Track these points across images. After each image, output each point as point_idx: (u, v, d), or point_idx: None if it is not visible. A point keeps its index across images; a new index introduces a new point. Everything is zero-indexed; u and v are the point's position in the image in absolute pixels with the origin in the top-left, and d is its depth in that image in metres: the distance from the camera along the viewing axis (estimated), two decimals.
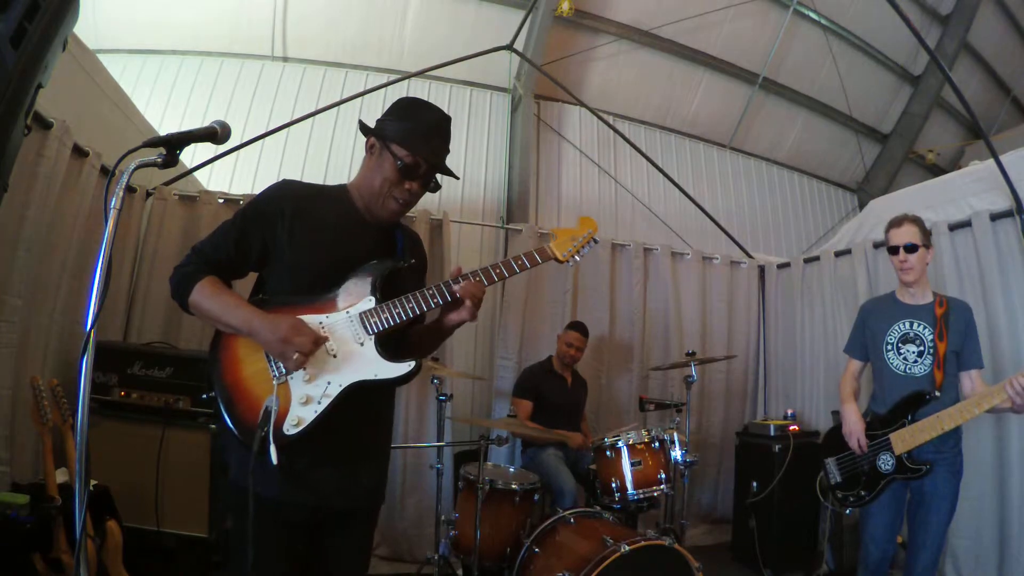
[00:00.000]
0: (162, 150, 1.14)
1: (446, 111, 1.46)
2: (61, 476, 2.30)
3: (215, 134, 1.20)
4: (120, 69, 4.90)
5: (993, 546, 2.97)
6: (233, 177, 5.14)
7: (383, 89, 4.88)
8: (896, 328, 2.41)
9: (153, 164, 1.13)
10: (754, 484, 3.65)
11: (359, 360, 1.32)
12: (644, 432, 2.98)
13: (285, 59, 5.80)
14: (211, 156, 3.86)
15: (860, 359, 2.59)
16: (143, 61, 5.44)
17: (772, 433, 3.70)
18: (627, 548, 2.24)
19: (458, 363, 4.14)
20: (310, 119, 4.61)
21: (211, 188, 4.28)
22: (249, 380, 1.31)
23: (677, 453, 3.01)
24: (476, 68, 5.38)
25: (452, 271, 1.40)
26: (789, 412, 3.93)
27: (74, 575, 1.08)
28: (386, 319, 1.34)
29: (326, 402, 1.28)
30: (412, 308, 1.34)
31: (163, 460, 2.69)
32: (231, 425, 1.29)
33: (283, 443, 1.24)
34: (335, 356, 1.32)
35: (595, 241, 1.54)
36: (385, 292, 1.37)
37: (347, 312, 1.34)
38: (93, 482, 2.41)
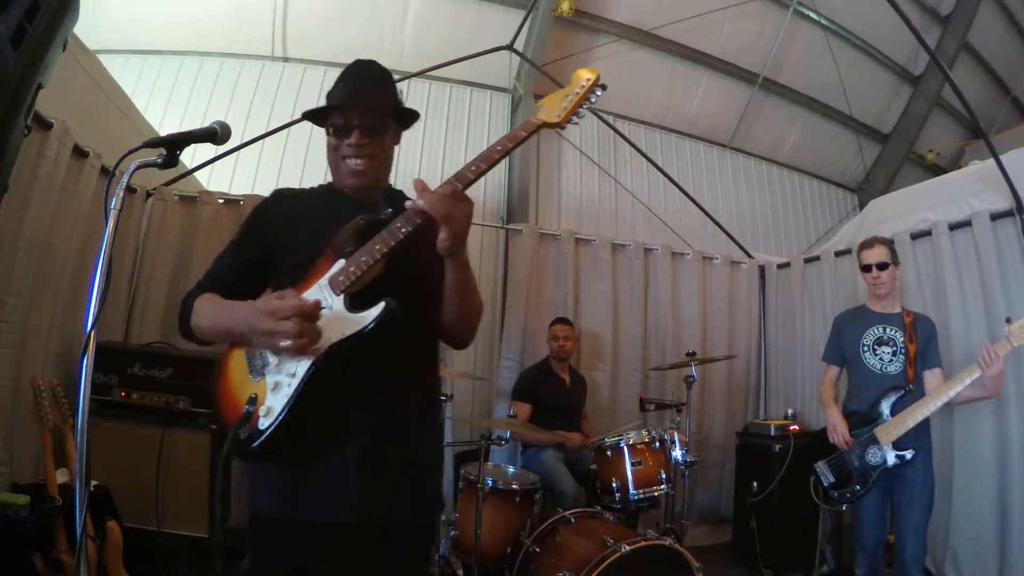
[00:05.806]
0: (162, 150, 1.14)
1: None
2: (61, 476, 2.30)
3: (215, 134, 1.20)
4: (120, 69, 4.89)
5: (993, 546, 2.97)
6: (233, 178, 5.12)
7: None
8: (871, 332, 2.67)
9: (153, 164, 1.13)
10: (754, 484, 3.65)
11: (327, 327, 1.10)
12: (644, 432, 2.97)
13: (285, 59, 5.80)
14: (211, 156, 3.85)
15: (838, 365, 2.83)
16: (143, 61, 5.44)
17: (772, 433, 3.70)
18: (627, 548, 2.24)
19: (459, 363, 4.14)
20: None
21: (211, 188, 4.27)
22: (236, 390, 1.17)
23: (677, 453, 3.01)
24: (476, 68, 5.36)
25: (416, 187, 1.13)
26: (789, 412, 3.93)
27: (74, 575, 1.07)
28: (352, 271, 1.13)
29: (294, 383, 1.09)
30: (379, 249, 1.12)
31: (163, 460, 2.70)
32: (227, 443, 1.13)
33: (261, 442, 1.08)
34: None
35: (602, 89, 1.21)
36: None
37: (318, 284, 1.16)
38: (93, 482, 2.41)
